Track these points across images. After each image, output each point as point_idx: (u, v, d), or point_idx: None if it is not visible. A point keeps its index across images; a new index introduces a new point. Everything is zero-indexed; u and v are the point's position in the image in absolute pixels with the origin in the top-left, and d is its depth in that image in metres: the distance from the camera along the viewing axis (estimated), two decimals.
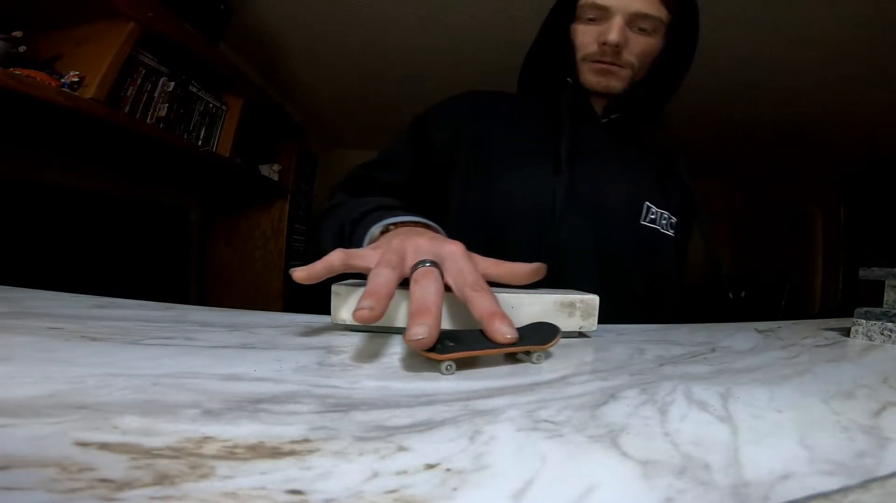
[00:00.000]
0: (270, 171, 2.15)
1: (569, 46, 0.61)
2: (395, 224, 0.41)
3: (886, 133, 2.35)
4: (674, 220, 0.65)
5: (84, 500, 0.11)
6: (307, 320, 0.39)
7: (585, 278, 0.56)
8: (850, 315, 0.45)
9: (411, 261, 0.32)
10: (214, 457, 0.14)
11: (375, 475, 0.13)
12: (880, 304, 0.44)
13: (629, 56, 0.59)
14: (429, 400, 0.20)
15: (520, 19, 1.66)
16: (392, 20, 1.73)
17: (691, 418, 0.19)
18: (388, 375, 0.24)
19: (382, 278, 0.29)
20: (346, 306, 0.34)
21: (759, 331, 0.45)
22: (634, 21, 0.58)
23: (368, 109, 2.64)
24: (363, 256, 0.33)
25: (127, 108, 1.26)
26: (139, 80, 1.30)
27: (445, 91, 0.71)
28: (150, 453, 0.14)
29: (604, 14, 0.58)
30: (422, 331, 0.24)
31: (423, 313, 0.26)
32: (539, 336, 0.29)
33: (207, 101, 1.62)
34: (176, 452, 0.14)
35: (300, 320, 0.39)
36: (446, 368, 0.25)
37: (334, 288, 0.34)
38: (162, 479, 0.12)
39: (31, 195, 1.16)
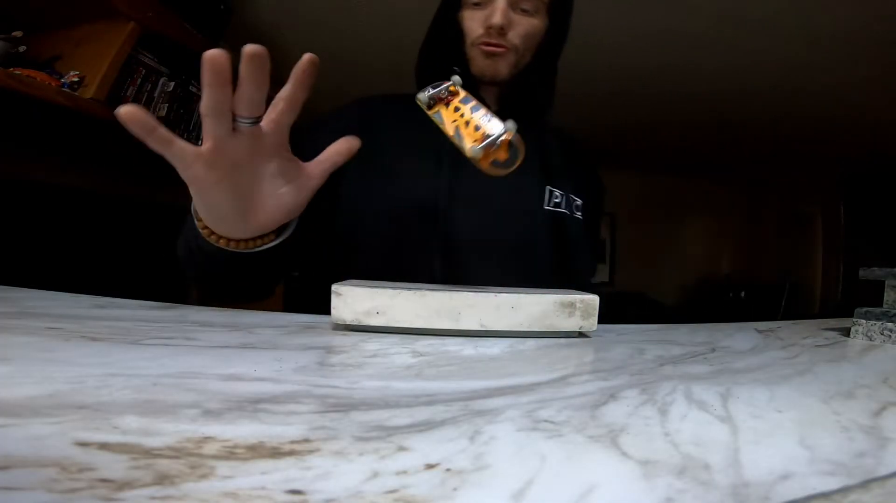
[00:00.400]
0: None
1: (459, 36, 0.62)
2: None
3: (886, 133, 2.35)
4: (578, 201, 0.66)
5: (84, 500, 0.11)
6: (307, 320, 0.39)
7: (488, 270, 0.56)
8: (850, 315, 0.45)
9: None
10: (214, 457, 0.14)
11: (375, 475, 0.13)
12: (880, 304, 0.44)
13: (514, 38, 0.59)
14: (429, 400, 0.20)
15: None
16: (392, 20, 1.73)
17: (691, 418, 0.19)
18: (388, 375, 0.24)
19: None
20: (346, 306, 0.34)
21: (759, 331, 0.45)
22: (517, 2, 0.59)
23: None
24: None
25: None
26: (139, 80, 1.30)
27: None
28: (150, 453, 0.14)
29: None
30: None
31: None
32: None
33: None
34: (176, 452, 0.14)
35: (300, 320, 0.39)
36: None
37: (334, 288, 0.35)
38: (162, 479, 0.12)
39: (31, 195, 1.16)
